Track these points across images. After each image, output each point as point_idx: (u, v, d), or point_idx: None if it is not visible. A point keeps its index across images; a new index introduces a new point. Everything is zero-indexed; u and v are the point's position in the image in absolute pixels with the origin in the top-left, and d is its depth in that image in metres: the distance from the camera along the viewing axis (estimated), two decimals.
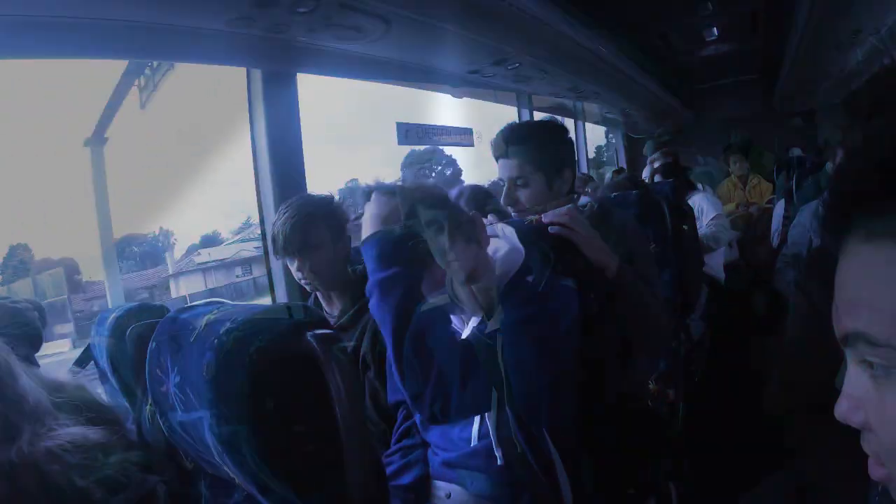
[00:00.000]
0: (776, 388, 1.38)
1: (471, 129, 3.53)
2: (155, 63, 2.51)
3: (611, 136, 7.30)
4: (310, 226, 1.88)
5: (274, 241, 1.91)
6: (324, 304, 2.00)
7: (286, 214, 1.90)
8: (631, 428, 1.71)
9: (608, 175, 5.22)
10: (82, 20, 1.67)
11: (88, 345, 1.31)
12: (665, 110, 6.05)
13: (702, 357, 3.40)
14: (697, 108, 6.78)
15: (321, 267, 1.89)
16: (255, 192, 2.41)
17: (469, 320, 1.46)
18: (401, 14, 2.11)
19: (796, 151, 5.99)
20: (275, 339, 0.80)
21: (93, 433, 0.81)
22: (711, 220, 3.97)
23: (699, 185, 4.39)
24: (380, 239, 1.33)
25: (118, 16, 1.70)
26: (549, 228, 1.68)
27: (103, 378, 1.24)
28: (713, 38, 4.40)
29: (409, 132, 3.08)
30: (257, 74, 2.31)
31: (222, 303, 0.92)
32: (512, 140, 1.92)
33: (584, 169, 5.87)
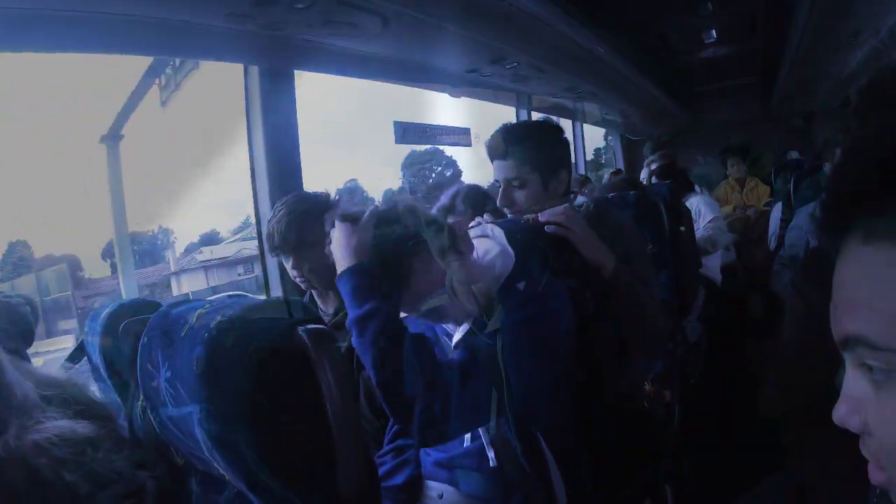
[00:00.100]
0: (773, 390, 1.38)
1: (468, 128, 3.53)
2: (177, 61, 2.50)
3: (609, 138, 7.31)
4: (305, 223, 1.87)
5: (269, 238, 1.91)
6: (319, 303, 1.99)
7: (281, 212, 1.89)
8: (627, 429, 1.71)
9: (606, 177, 5.22)
10: (80, 14, 1.66)
11: (81, 340, 1.31)
12: (663, 112, 6.05)
13: (698, 359, 3.40)
14: (696, 109, 6.78)
15: (316, 265, 1.88)
16: (251, 191, 2.41)
17: (459, 326, 1.46)
18: (399, 11, 2.11)
19: (794, 154, 6.01)
20: (266, 333, 0.79)
21: (81, 427, 0.80)
22: (709, 222, 3.97)
23: (697, 187, 4.40)
24: (352, 274, 1.31)
25: (116, 10, 1.69)
26: (545, 227, 1.67)
27: (96, 374, 1.23)
28: (712, 39, 4.39)
29: (406, 131, 3.08)
30: (255, 71, 2.30)
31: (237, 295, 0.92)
32: (507, 141, 1.91)
33: (582, 170, 5.87)
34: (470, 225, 1.61)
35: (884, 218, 0.48)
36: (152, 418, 0.92)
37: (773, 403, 1.36)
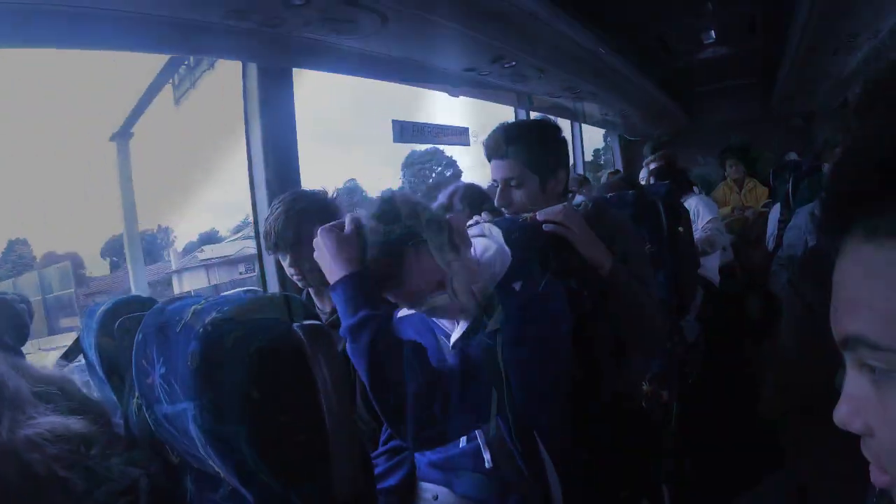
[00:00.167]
0: (770, 390, 1.38)
1: (467, 128, 3.53)
2: (192, 60, 2.49)
3: (608, 138, 7.31)
4: (303, 221, 1.86)
5: (266, 236, 1.90)
6: (316, 301, 1.98)
7: (279, 210, 1.88)
8: (624, 429, 1.70)
9: (604, 177, 5.22)
10: (79, 10, 1.66)
11: (77, 337, 1.30)
12: (663, 112, 6.05)
13: (696, 359, 3.40)
14: (695, 110, 6.78)
15: (314, 263, 1.87)
16: (248, 189, 2.40)
17: (459, 323, 1.45)
18: (397, 9, 2.11)
19: (792, 156, 6.01)
20: (262, 330, 0.78)
21: (74, 423, 0.79)
22: (707, 223, 3.98)
23: (695, 188, 4.40)
24: (346, 283, 1.30)
25: (114, 6, 1.69)
26: (543, 226, 1.67)
27: (91, 371, 1.23)
28: (711, 40, 4.39)
29: (404, 130, 3.07)
30: (253, 69, 2.29)
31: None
32: (505, 140, 1.91)
33: (580, 170, 5.87)
34: (467, 224, 1.61)
35: (884, 217, 0.48)
36: (147, 415, 0.91)
37: (771, 404, 1.36)
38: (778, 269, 3.17)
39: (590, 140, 6.80)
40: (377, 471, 1.50)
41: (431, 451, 1.46)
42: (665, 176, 4.05)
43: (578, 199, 2.03)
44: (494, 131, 1.95)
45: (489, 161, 1.97)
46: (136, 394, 0.94)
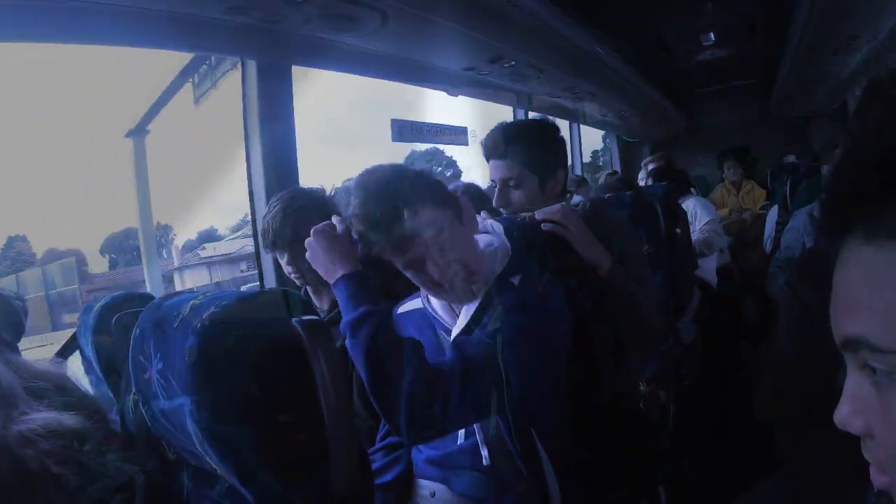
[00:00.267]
0: (767, 392, 1.38)
1: (466, 127, 3.52)
2: (213, 60, 2.49)
3: (607, 140, 7.30)
4: (301, 218, 1.85)
5: (264, 234, 1.90)
6: (314, 299, 1.98)
7: (277, 207, 1.88)
8: (622, 429, 1.70)
9: (602, 178, 5.23)
10: (78, 5, 1.65)
11: (74, 334, 1.30)
12: (662, 113, 6.05)
13: (693, 360, 3.40)
14: (694, 112, 6.77)
15: (307, 260, 1.87)
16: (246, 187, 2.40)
17: (457, 321, 1.45)
18: (397, 7, 2.10)
19: (790, 158, 6.02)
20: (259, 324, 0.78)
21: (67, 419, 0.79)
22: (704, 224, 3.98)
23: (693, 189, 4.40)
24: (348, 281, 1.33)
25: (111, 0, 1.68)
26: (541, 226, 1.67)
27: (88, 367, 1.22)
28: (711, 41, 4.39)
29: (403, 129, 3.07)
30: (252, 66, 2.29)
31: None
32: (504, 140, 1.90)
33: (578, 171, 5.87)
34: None
35: (884, 218, 0.47)
36: (144, 411, 0.91)
37: (768, 405, 1.36)
38: (775, 272, 3.17)
39: (588, 141, 6.80)
40: (374, 466, 1.50)
41: (429, 447, 1.46)
42: (663, 177, 4.05)
43: (576, 199, 2.03)
44: (493, 131, 1.94)
45: (487, 161, 1.96)
46: (133, 390, 0.93)
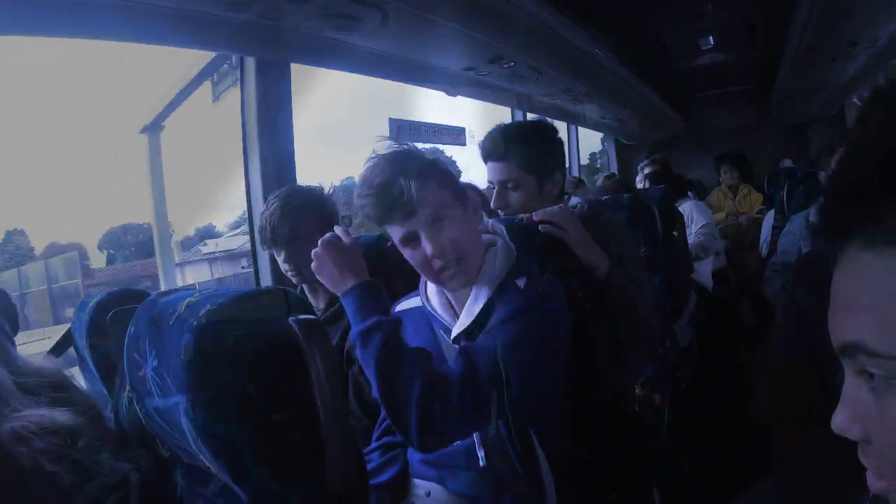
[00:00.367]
0: (764, 396, 1.38)
1: (464, 128, 3.52)
2: (234, 59, 2.49)
3: (606, 142, 7.31)
4: (299, 216, 1.85)
5: (262, 231, 1.89)
6: (310, 297, 1.97)
7: (274, 205, 1.88)
8: (616, 432, 1.70)
9: (599, 181, 5.23)
10: None
11: (68, 330, 1.29)
12: (660, 117, 6.06)
13: (689, 363, 3.40)
14: (692, 115, 6.79)
15: (308, 258, 1.87)
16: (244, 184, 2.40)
17: (456, 321, 1.45)
18: (398, 6, 2.10)
19: (787, 162, 6.03)
20: (255, 322, 0.78)
21: (60, 416, 0.78)
22: (700, 228, 3.99)
23: (690, 193, 4.41)
24: (357, 291, 1.34)
25: None
26: (539, 227, 1.67)
27: (83, 364, 1.22)
28: (709, 46, 4.40)
29: (401, 129, 3.06)
30: (251, 63, 2.28)
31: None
32: (503, 141, 1.90)
33: (576, 173, 5.88)
34: None
35: (883, 224, 0.47)
36: (138, 409, 0.90)
37: (764, 408, 1.36)
38: (772, 276, 3.18)
39: (587, 143, 6.81)
40: (370, 466, 1.50)
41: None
42: (659, 180, 4.06)
43: (574, 201, 2.02)
44: (492, 132, 1.94)
45: (485, 162, 1.96)
46: (128, 387, 0.93)
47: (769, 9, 3.69)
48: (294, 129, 2.41)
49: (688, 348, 3.41)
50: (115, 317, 1.03)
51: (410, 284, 1.60)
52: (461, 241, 1.37)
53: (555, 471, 1.37)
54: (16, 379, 0.82)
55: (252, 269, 2.43)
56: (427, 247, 1.36)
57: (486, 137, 1.95)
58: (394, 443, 1.52)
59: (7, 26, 1.67)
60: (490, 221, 1.60)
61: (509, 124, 2.00)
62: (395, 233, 1.39)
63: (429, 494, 1.44)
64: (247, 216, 2.44)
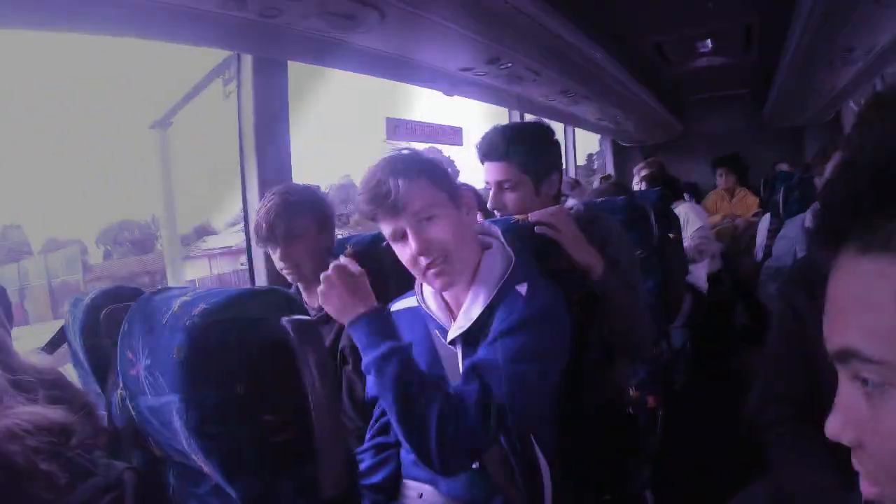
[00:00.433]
0: (757, 399, 1.38)
1: (461, 128, 3.51)
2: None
3: (603, 144, 7.32)
4: (295, 214, 1.85)
5: (257, 228, 1.89)
6: (304, 296, 1.97)
7: (270, 203, 1.87)
8: (610, 434, 1.70)
9: (595, 182, 5.24)
10: None
11: (62, 327, 1.28)
12: (657, 120, 6.06)
13: (683, 366, 3.41)
14: (690, 118, 6.80)
15: (304, 257, 1.87)
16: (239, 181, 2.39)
17: (453, 322, 1.45)
18: (396, 5, 2.09)
19: (783, 166, 6.05)
20: (248, 322, 0.78)
21: (54, 414, 0.78)
22: (696, 231, 4.00)
23: (686, 195, 4.42)
24: (367, 320, 1.33)
25: None
26: (534, 228, 1.67)
27: (77, 361, 1.21)
28: (707, 50, 4.41)
29: (398, 128, 3.06)
30: (248, 60, 2.27)
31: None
32: (501, 142, 1.90)
33: (573, 174, 5.88)
34: None
35: (878, 231, 0.48)
36: (131, 408, 0.90)
37: (757, 412, 1.36)
38: (767, 279, 3.18)
39: (585, 144, 6.83)
40: (363, 466, 1.50)
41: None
42: (655, 183, 4.07)
43: (570, 202, 2.02)
44: (490, 133, 1.94)
45: (483, 162, 1.96)
46: (120, 385, 0.92)
47: (766, 14, 3.70)
48: (304, 126, 2.41)
49: (682, 351, 3.42)
50: (109, 315, 1.03)
51: (405, 283, 1.60)
52: (449, 241, 1.38)
53: (554, 474, 1.37)
54: (10, 376, 0.81)
55: (249, 268, 2.43)
56: (413, 244, 1.37)
57: (483, 138, 1.94)
58: (387, 443, 1.52)
59: (3, 19, 1.67)
60: (486, 223, 1.60)
61: (507, 125, 2.00)
62: (386, 230, 1.41)
63: (421, 496, 1.44)
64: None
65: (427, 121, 3.34)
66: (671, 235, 2.78)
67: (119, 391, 0.94)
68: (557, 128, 5.44)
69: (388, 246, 1.44)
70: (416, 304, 1.54)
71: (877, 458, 0.51)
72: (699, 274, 3.95)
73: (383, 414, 1.53)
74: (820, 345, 0.55)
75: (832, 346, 0.53)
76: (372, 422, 1.57)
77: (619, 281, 1.71)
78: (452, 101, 3.52)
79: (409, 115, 3.23)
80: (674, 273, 2.81)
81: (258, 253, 2.30)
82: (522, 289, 1.39)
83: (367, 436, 1.57)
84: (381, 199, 1.36)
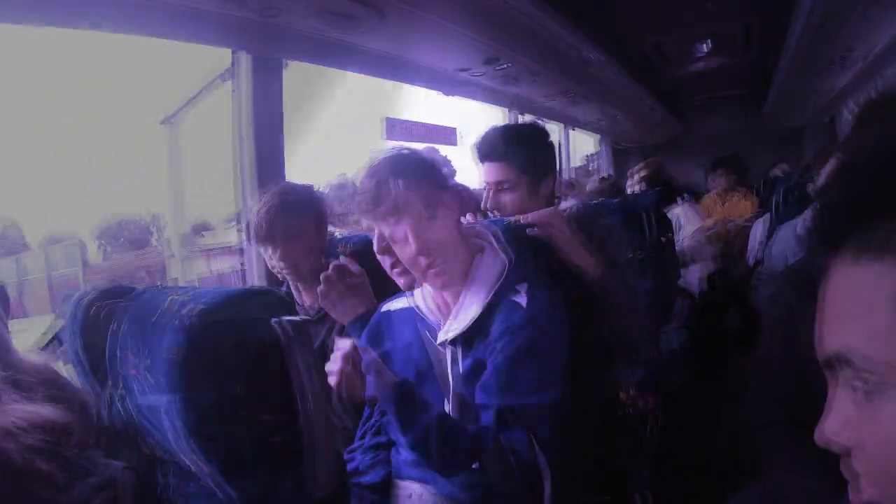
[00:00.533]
0: (750, 402, 1.39)
1: (455, 128, 3.52)
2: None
3: (603, 144, 7.31)
4: (289, 213, 1.85)
5: (257, 228, 1.87)
6: (296, 296, 1.97)
7: (265, 203, 1.87)
8: (605, 436, 1.71)
9: (590, 184, 5.23)
10: None
11: (52, 324, 1.28)
12: (654, 121, 6.06)
13: (676, 369, 3.41)
14: (687, 120, 6.80)
15: (297, 256, 1.86)
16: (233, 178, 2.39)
17: (443, 325, 1.45)
18: (395, 5, 2.09)
19: (779, 169, 6.04)
20: (239, 322, 0.78)
21: (50, 412, 0.78)
22: (690, 234, 4.00)
23: (679, 199, 4.42)
24: (396, 394, 1.27)
25: None
26: (527, 230, 1.67)
27: (70, 359, 1.21)
28: (705, 52, 4.41)
29: (395, 127, 3.06)
30: (244, 58, 2.27)
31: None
32: (497, 143, 1.90)
33: (567, 175, 5.87)
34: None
35: (878, 230, 0.48)
36: (122, 406, 0.90)
37: (750, 415, 1.37)
38: (759, 283, 3.19)
39: (581, 146, 6.81)
40: (353, 465, 1.50)
41: (408, 450, 1.46)
42: (651, 185, 4.07)
43: (565, 204, 2.03)
44: (490, 133, 1.94)
45: (482, 163, 1.96)
46: (111, 384, 0.93)
47: (766, 14, 3.70)
48: (298, 124, 2.41)
49: (674, 353, 3.42)
50: (102, 312, 1.03)
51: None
52: (448, 240, 1.40)
53: (554, 476, 1.38)
54: (7, 373, 0.82)
55: (249, 266, 2.43)
56: (413, 244, 1.38)
57: (483, 138, 1.95)
58: (379, 443, 1.52)
59: (2, 16, 1.67)
60: (478, 225, 1.60)
61: (506, 125, 2.01)
62: (385, 230, 1.42)
63: (410, 496, 1.44)
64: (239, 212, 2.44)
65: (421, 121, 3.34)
66: (664, 238, 2.78)
67: (110, 389, 0.94)
68: (553, 129, 5.44)
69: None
70: (407, 304, 1.54)
71: (876, 459, 0.51)
72: (692, 277, 3.95)
73: (374, 414, 1.54)
74: (810, 349, 0.55)
75: (828, 348, 0.53)
76: (362, 421, 1.57)
77: (612, 282, 1.71)
78: (446, 102, 3.52)
79: (400, 114, 3.24)
80: (667, 276, 2.81)
81: (250, 251, 2.30)
82: (522, 290, 1.40)
83: (358, 434, 1.57)
84: (382, 199, 1.36)
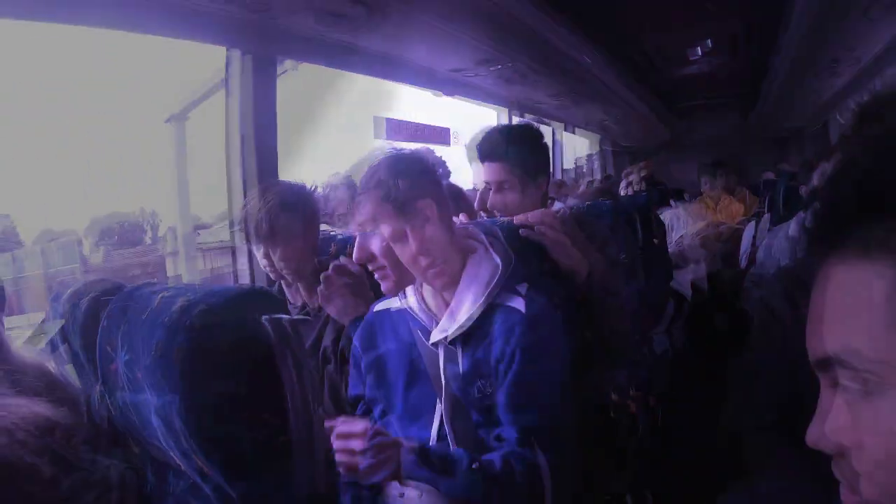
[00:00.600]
0: (739, 405, 1.39)
1: (448, 128, 3.52)
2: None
3: (604, 145, 7.33)
4: (282, 212, 1.84)
5: (257, 227, 1.86)
6: (287, 294, 1.96)
7: (258, 199, 1.86)
8: (600, 436, 1.71)
9: (583, 186, 5.24)
10: None
11: (42, 321, 1.27)
12: (647, 124, 6.09)
13: (666, 370, 3.41)
14: (680, 123, 6.83)
15: (289, 255, 1.85)
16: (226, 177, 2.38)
17: (435, 325, 1.45)
18: (390, 5, 2.09)
19: (776, 172, 6.08)
20: (229, 320, 0.77)
21: (41, 408, 0.77)
22: (681, 237, 4.01)
23: (672, 201, 4.43)
24: (421, 457, 1.27)
25: None
26: (520, 231, 1.67)
27: (60, 356, 1.20)
28: (698, 55, 4.43)
29: (387, 126, 3.06)
30: (237, 55, 2.27)
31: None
32: (493, 144, 1.91)
33: (559, 177, 5.89)
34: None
35: (875, 231, 0.48)
36: (110, 403, 0.89)
37: (738, 418, 1.37)
38: (750, 286, 3.20)
39: (573, 149, 6.83)
40: None
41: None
42: (644, 187, 4.08)
43: (557, 205, 2.03)
44: (490, 133, 1.95)
45: (481, 163, 1.96)
46: (100, 380, 0.92)
47: (758, 21, 3.72)
48: (293, 123, 2.41)
49: (664, 355, 3.42)
50: (90, 308, 1.02)
51: None
52: (446, 240, 1.41)
53: (552, 473, 1.37)
54: (1, 369, 0.81)
55: (247, 265, 2.42)
56: (413, 244, 1.39)
57: (483, 138, 1.95)
58: None
59: (2, 11, 1.66)
60: (471, 226, 1.59)
61: (505, 126, 2.02)
62: (385, 230, 1.42)
63: (402, 496, 1.43)
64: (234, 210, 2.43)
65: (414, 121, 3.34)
66: (655, 241, 2.79)
67: (99, 386, 0.93)
68: (546, 130, 5.45)
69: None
70: (399, 304, 1.53)
71: (876, 459, 0.51)
72: (683, 280, 3.96)
73: (366, 413, 1.53)
74: (801, 351, 0.55)
75: (826, 349, 0.53)
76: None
77: (603, 284, 1.72)
78: (441, 103, 3.52)
79: (393, 113, 3.24)
80: (658, 278, 2.82)
81: (243, 249, 2.29)
82: (520, 292, 1.41)
83: None
84: (383, 199, 1.37)
